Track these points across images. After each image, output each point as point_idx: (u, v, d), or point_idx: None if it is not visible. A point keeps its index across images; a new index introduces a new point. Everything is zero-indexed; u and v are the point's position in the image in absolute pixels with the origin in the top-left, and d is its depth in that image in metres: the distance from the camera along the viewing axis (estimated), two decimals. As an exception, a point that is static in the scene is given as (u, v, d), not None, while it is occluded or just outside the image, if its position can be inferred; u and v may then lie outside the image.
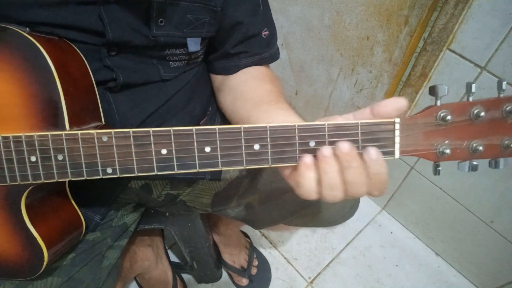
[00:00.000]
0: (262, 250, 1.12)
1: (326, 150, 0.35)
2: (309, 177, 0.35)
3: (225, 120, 0.68)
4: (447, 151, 0.35)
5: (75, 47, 0.44)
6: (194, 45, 0.53)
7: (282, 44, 1.12)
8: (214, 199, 0.65)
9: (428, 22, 0.81)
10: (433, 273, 1.10)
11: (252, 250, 1.07)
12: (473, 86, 0.34)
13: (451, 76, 0.80)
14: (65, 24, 0.43)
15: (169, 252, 1.05)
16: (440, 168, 0.37)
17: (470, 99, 0.34)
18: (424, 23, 0.80)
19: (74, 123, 0.40)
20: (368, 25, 0.88)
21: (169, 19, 0.48)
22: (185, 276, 1.03)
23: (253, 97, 0.54)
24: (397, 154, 0.36)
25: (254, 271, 1.05)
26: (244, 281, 1.03)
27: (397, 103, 0.34)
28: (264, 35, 0.59)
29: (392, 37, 0.86)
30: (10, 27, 0.38)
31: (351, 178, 0.34)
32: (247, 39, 0.57)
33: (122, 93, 0.51)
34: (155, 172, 0.38)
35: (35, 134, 0.38)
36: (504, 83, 0.33)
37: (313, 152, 0.36)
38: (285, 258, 1.12)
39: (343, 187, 0.35)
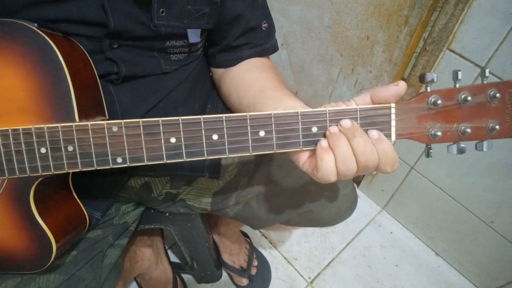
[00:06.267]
0: (262, 250, 1.12)
1: (333, 128, 0.38)
2: (327, 159, 0.37)
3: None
4: (439, 133, 0.38)
5: (77, 43, 0.45)
6: (194, 36, 0.54)
7: (282, 44, 1.12)
8: (213, 198, 0.65)
9: (428, 22, 0.81)
10: (433, 273, 1.10)
11: (252, 250, 1.07)
12: (459, 73, 0.37)
13: (451, 76, 0.80)
14: (68, 18, 0.44)
15: (169, 252, 1.05)
16: (432, 150, 0.40)
17: (457, 85, 0.38)
18: (424, 23, 0.80)
19: (82, 116, 0.41)
20: (368, 25, 0.88)
21: (170, 10, 0.49)
22: (185, 276, 1.03)
23: (258, 84, 0.55)
24: (393, 137, 0.39)
25: (254, 271, 1.05)
26: (244, 281, 1.03)
27: (395, 89, 0.37)
28: (264, 27, 0.60)
29: (392, 37, 0.86)
30: (18, 21, 0.39)
31: (358, 147, 0.37)
32: (248, 31, 0.58)
33: (124, 85, 0.51)
34: (164, 161, 0.39)
35: (45, 126, 0.39)
36: (487, 71, 0.37)
37: (316, 136, 0.39)
38: (285, 258, 1.12)
39: (354, 158, 0.37)
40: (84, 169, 0.40)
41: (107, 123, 0.38)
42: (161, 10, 0.48)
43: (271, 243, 1.15)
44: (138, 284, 0.99)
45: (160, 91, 0.55)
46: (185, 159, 0.39)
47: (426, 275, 1.10)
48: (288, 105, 0.47)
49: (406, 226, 1.20)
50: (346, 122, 0.37)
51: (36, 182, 0.41)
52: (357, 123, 0.38)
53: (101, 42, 0.47)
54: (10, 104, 0.40)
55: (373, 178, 1.19)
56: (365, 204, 1.24)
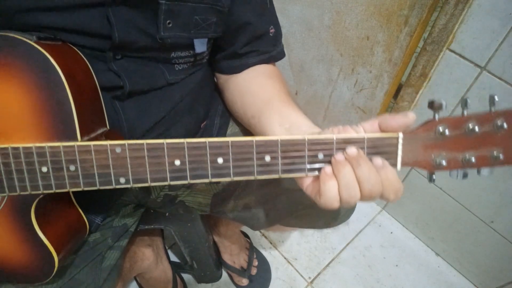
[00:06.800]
0: (262, 250, 1.12)
1: (339, 155, 0.38)
2: (331, 185, 0.37)
3: (225, 120, 0.68)
4: (443, 162, 0.38)
5: (79, 52, 0.44)
6: (200, 46, 0.53)
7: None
8: (212, 200, 0.65)
9: (428, 22, 0.81)
10: (433, 273, 1.10)
11: (252, 250, 1.07)
12: (496, 98, 0.36)
13: (451, 76, 0.80)
14: (71, 28, 0.42)
15: (169, 251, 1.05)
16: (434, 176, 0.40)
17: (465, 113, 0.37)
18: (424, 23, 0.80)
19: (84, 132, 0.40)
20: (368, 25, 0.88)
21: (177, 21, 0.48)
22: (185, 276, 1.03)
23: (263, 94, 0.55)
24: (399, 166, 0.39)
25: (254, 271, 1.05)
26: (244, 281, 1.03)
27: (404, 120, 0.37)
28: (271, 32, 0.59)
29: (392, 37, 0.86)
30: (16, 36, 0.38)
31: (362, 175, 0.36)
32: (255, 39, 0.57)
33: (130, 100, 0.50)
34: (168, 182, 0.38)
35: (46, 145, 0.38)
36: (495, 97, 0.36)
37: (322, 162, 0.39)
38: (285, 258, 1.12)
39: (357, 185, 0.37)
40: (87, 189, 0.39)
41: (110, 144, 0.37)
42: (168, 21, 0.47)
43: (271, 243, 1.15)
44: (138, 283, 0.99)
45: (166, 104, 0.54)
46: (189, 181, 0.39)
47: (426, 275, 1.10)
48: (294, 121, 0.46)
49: (406, 226, 1.20)
50: (352, 150, 0.37)
51: (38, 199, 0.41)
52: (364, 151, 0.38)
53: (105, 53, 0.46)
54: (10, 121, 0.39)
55: (373, 178, 1.19)
56: (365, 204, 1.24)
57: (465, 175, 0.39)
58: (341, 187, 0.37)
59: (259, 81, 0.58)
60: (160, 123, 0.54)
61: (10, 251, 0.43)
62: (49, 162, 0.38)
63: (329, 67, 1.04)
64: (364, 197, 0.37)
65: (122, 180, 0.39)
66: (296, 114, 0.49)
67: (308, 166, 0.39)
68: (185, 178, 0.38)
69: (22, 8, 0.40)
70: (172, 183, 0.39)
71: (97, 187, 0.39)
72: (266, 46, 0.59)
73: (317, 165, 0.39)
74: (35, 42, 0.38)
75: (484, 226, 0.95)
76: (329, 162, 0.38)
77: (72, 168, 0.38)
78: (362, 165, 0.36)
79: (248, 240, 1.09)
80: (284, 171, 0.39)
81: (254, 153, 0.38)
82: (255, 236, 1.16)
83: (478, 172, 0.39)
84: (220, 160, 0.38)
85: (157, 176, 0.38)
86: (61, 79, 0.38)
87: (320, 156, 0.38)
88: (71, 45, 0.43)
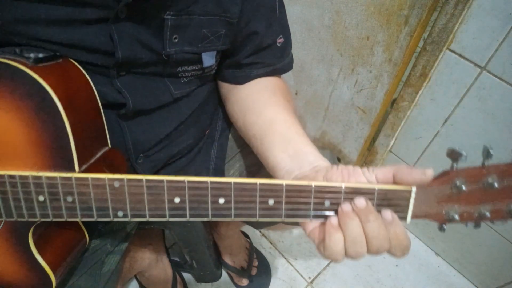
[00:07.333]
0: (262, 250, 1.12)
1: (346, 206, 0.35)
2: (336, 238, 0.35)
3: (228, 123, 0.67)
4: (456, 216, 0.36)
5: (81, 69, 0.42)
6: (209, 59, 0.51)
7: (282, 44, 1.11)
8: None
9: (428, 22, 0.81)
10: (433, 273, 1.10)
11: (252, 250, 1.07)
12: (491, 151, 0.34)
13: (451, 76, 0.80)
14: (72, 43, 0.41)
15: (169, 251, 1.05)
16: (445, 226, 0.38)
17: (486, 163, 0.35)
18: (424, 23, 0.80)
19: (83, 160, 0.39)
20: (368, 25, 0.88)
21: (184, 35, 0.46)
22: (185, 276, 1.03)
23: (266, 113, 0.52)
24: (408, 220, 0.37)
25: (254, 271, 1.05)
26: (244, 281, 1.03)
27: (421, 178, 0.34)
28: (279, 42, 0.56)
29: (392, 37, 0.86)
30: (11, 63, 0.36)
31: (371, 232, 0.35)
32: (261, 50, 0.55)
33: (136, 120, 0.49)
34: (167, 218, 0.38)
35: (43, 175, 0.37)
36: (491, 151, 0.34)
37: (328, 210, 0.37)
38: (285, 258, 1.12)
39: (365, 241, 0.35)
40: (84, 220, 0.39)
41: (108, 179, 0.36)
42: (174, 36, 0.45)
43: (271, 243, 1.15)
44: (138, 281, 0.99)
45: (173, 121, 0.53)
46: (188, 218, 0.38)
47: (426, 275, 1.10)
48: (299, 149, 0.44)
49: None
50: (361, 202, 0.35)
51: (35, 224, 0.40)
52: (373, 202, 0.36)
53: (108, 69, 0.44)
54: (8, 148, 0.38)
55: (373, 178, 1.19)
56: (365, 204, 1.24)
57: (476, 226, 0.37)
58: (347, 242, 0.35)
59: (262, 98, 0.55)
60: (166, 137, 0.54)
61: (8, 272, 0.42)
62: (46, 191, 0.37)
63: (329, 67, 1.04)
64: (370, 253, 0.36)
65: (120, 213, 0.38)
66: (301, 139, 0.46)
67: (313, 213, 0.37)
68: (184, 216, 0.37)
69: (19, 20, 0.39)
70: (171, 219, 0.38)
71: (95, 219, 0.38)
72: (271, 58, 0.57)
73: (323, 213, 0.37)
74: (31, 67, 0.36)
75: (484, 226, 0.95)
76: (336, 211, 0.36)
77: (69, 199, 0.37)
78: (371, 221, 0.34)
79: (248, 240, 1.09)
80: (288, 216, 0.37)
81: (257, 196, 0.36)
82: (255, 236, 1.16)
83: (492, 221, 0.37)
84: (221, 201, 0.37)
85: (156, 212, 0.37)
86: (58, 109, 0.37)
87: (327, 203, 0.36)
88: (73, 61, 0.42)
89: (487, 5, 0.69)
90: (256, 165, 0.62)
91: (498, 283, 1.01)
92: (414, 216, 0.37)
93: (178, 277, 0.98)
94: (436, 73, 0.83)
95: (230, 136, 0.68)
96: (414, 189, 0.35)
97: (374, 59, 0.93)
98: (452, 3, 0.72)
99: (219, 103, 0.67)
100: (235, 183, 0.36)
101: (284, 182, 0.36)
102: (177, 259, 1.06)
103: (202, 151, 0.65)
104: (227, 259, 1.02)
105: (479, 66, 0.75)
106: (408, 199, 0.36)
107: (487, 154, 0.34)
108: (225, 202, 0.37)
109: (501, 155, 0.88)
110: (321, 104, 1.15)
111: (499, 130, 0.78)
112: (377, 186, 0.36)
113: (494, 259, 0.98)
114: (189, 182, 0.36)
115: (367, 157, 1.15)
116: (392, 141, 1.04)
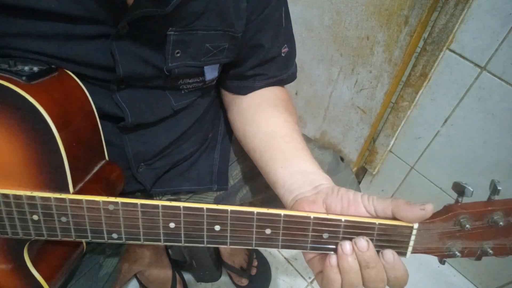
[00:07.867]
0: (262, 250, 1.12)
1: (346, 247, 0.34)
2: (334, 279, 0.35)
3: (229, 128, 0.67)
4: (457, 252, 0.35)
5: (78, 81, 0.42)
6: (211, 72, 0.50)
7: (282, 44, 1.11)
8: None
9: (428, 22, 0.81)
10: (433, 273, 1.10)
11: (252, 250, 1.07)
12: (498, 186, 0.34)
13: (451, 76, 0.80)
14: (71, 58, 0.40)
15: (169, 250, 1.05)
16: (446, 260, 0.37)
17: (492, 198, 0.34)
18: (424, 23, 0.80)
19: (78, 179, 0.39)
20: (368, 25, 0.88)
21: (186, 50, 0.45)
22: (185, 275, 1.03)
23: (267, 127, 0.51)
24: (408, 255, 0.36)
25: (254, 271, 1.05)
26: (244, 281, 1.03)
27: (421, 214, 0.33)
28: (284, 52, 0.55)
29: (392, 37, 0.86)
30: (4, 83, 0.35)
31: (369, 277, 0.34)
32: (265, 62, 0.54)
33: (136, 131, 0.49)
34: (162, 243, 0.38)
35: (37, 195, 0.36)
36: (499, 188, 0.34)
37: (326, 244, 0.36)
38: (285, 258, 1.12)
39: (361, 284, 0.35)
40: (78, 240, 0.38)
41: (103, 202, 0.36)
42: (176, 51, 0.44)
43: (271, 243, 1.15)
44: (137, 280, 0.99)
45: (173, 133, 0.53)
46: (183, 244, 0.37)
47: (426, 275, 1.10)
48: (299, 166, 0.44)
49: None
50: (362, 245, 0.34)
51: (30, 241, 0.40)
52: (373, 238, 0.35)
53: (108, 83, 0.44)
54: (1, 168, 0.37)
55: (373, 178, 1.19)
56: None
57: (478, 259, 0.36)
58: (344, 284, 0.35)
59: (263, 111, 0.54)
60: (167, 147, 0.53)
61: (2, 285, 0.42)
62: (40, 212, 0.37)
63: (329, 67, 1.04)
64: None
65: (115, 235, 0.38)
66: (300, 155, 0.46)
67: (310, 245, 0.36)
68: (179, 241, 0.37)
69: (16, 34, 0.38)
70: (166, 244, 0.38)
71: (89, 239, 0.38)
72: (275, 70, 0.56)
73: (321, 245, 0.36)
74: (23, 86, 0.35)
75: (484, 226, 0.95)
76: (335, 244, 0.36)
77: (63, 219, 0.37)
78: (371, 268, 0.34)
79: (248, 240, 1.09)
80: (285, 246, 0.37)
81: (254, 225, 0.36)
82: (255, 236, 1.15)
83: (495, 256, 0.36)
84: (217, 228, 0.36)
85: (150, 236, 0.37)
86: (51, 131, 0.36)
87: (325, 236, 0.36)
88: (70, 74, 0.41)
89: (487, 5, 0.69)
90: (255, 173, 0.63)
91: (498, 283, 1.00)
92: (414, 251, 0.36)
93: (178, 276, 0.98)
94: (436, 73, 0.83)
95: (233, 139, 0.68)
96: (416, 225, 0.35)
97: (374, 59, 0.93)
98: (452, 3, 0.72)
99: (221, 106, 0.67)
100: (231, 211, 0.35)
101: (282, 212, 0.35)
102: (177, 258, 1.06)
103: (205, 154, 0.65)
104: (227, 259, 1.02)
105: (479, 66, 0.75)
106: (409, 236, 0.35)
107: (494, 189, 0.33)
108: (221, 229, 0.36)
109: (501, 155, 0.88)
110: (321, 104, 1.15)
111: (499, 130, 0.78)
112: (377, 221, 0.35)
113: (494, 259, 0.98)
114: (184, 208, 0.35)
115: (367, 157, 1.15)
116: (392, 141, 1.04)
